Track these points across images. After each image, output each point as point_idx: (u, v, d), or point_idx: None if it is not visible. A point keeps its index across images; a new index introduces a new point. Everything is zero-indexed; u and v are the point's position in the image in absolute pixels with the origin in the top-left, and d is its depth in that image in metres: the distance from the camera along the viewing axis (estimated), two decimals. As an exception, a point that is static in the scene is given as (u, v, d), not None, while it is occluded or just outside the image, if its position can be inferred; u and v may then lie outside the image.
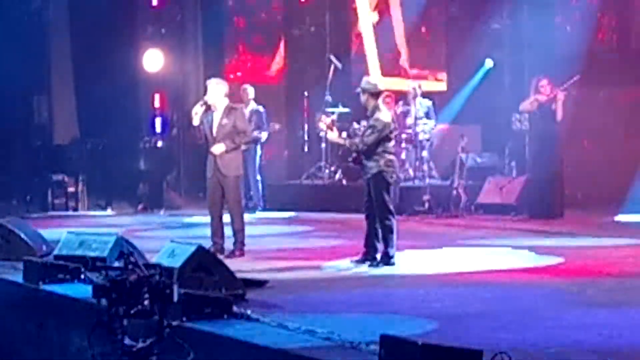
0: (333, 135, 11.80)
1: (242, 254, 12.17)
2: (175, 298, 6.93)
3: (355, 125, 11.72)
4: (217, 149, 12.21)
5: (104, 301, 6.91)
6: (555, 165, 15.98)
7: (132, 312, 6.78)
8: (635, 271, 10.69)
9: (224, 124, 12.25)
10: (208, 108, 12.33)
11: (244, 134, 12.44)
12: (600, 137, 17.99)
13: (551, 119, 15.81)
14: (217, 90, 12.34)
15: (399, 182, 14.28)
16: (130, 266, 6.95)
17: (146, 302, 6.81)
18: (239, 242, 12.25)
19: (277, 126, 18.31)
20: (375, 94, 11.48)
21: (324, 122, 11.78)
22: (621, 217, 15.73)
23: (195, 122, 12.32)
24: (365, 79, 11.74)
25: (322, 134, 11.82)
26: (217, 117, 12.29)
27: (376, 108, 11.47)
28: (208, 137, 12.32)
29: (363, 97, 11.50)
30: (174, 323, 7.02)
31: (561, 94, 15.73)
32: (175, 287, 6.90)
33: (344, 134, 12.32)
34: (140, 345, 6.75)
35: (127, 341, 6.76)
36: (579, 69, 17.12)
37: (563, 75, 16.23)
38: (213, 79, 12.66)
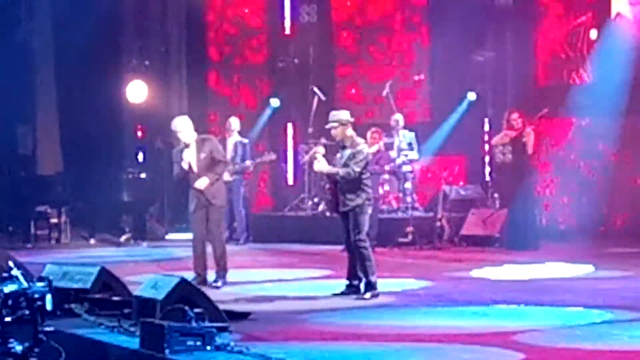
0: (324, 165, 11.67)
1: (224, 283, 12.18)
2: (49, 307, 7.80)
3: (338, 155, 11.67)
4: (201, 183, 12.18)
5: None
6: (529, 197, 16.07)
7: (8, 319, 7.73)
8: (621, 304, 10.68)
9: (203, 158, 12.22)
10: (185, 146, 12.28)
11: (223, 162, 12.47)
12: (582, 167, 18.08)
13: (522, 152, 15.93)
14: (189, 127, 12.28)
15: (375, 214, 14.31)
16: (13, 278, 7.84)
17: (26, 311, 7.75)
18: (222, 271, 12.26)
19: (273, 156, 17.89)
20: (348, 124, 11.51)
21: (320, 152, 11.72)
22: (605, 249, 15.78)
23: (186, 166, 12.25)
24: (333, 113, 11.74)
25: (316, 163, 11.74)
26: (192, 152, 12.23)
27: (353, 138, 11.51)
28: (190, 174, 12.29)
29: (338, 130, 11.49)
30: (48, 329, 7.84)
31: (529, 128, 15.84)
32: (48, 297, 7.77)
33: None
34: (20, 348, 7.67)
35: (10, 344, 7.69)
36: (560, 101, 17.25)
37: (543, 107, 16.33)
38: (178, 118, 12.56)
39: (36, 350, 7.71)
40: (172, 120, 12.59)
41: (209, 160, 12.23)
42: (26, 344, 7.71)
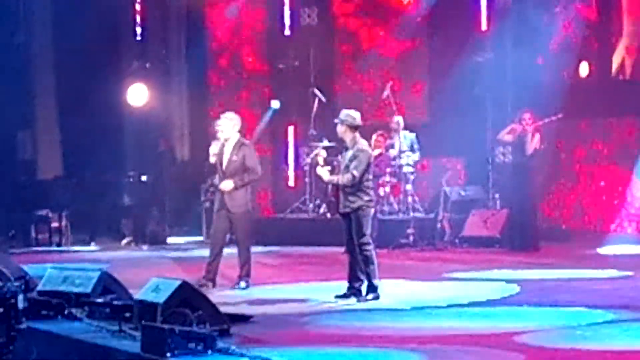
0: (325, 173, 11.69)
1: (248, 286, 12.28)
2: (21, 306, 8.16)
3: (341, 157, 11.70)
4: (226, 185, 12.26)
5: None
6: (529, 197, 16.07)
7: None
8: (624, 303, 10.69)
9: (234, 160, 12.31)
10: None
11: (253, 171, 12.44)
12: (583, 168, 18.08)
13: (523, 152, 15.97)
14: (230, 125, 12.39)
15: (376, 215, 14.32)
16: None
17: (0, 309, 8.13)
18: (245, 275, 12.37)
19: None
20: (354, 127, 11.50)
21: (322, 156, 11.74)
22: (604, 250, 15.79)
23: (212, 160, 12.34)
24: (344, 111, 11.73)
25: (318, 168, 11.75)
26: (227, 151, 12.34)
27: (356, 140, 11.49)
28: (218, 171, 12.37)
29: (341, 129, 11.48)
30: (19, 327, 8.17)
31: (530, 129, 15.86)
32: (20, 296, 8.14)
33: (327, 168, 12.22)
34: None
35: None
36: (561, 102, 17.26)
37: (544, 108, 16.34)
38: (227, 113, 12.68)
39: (10, 347, 7.88)
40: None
41: (240, 164, 12.29)
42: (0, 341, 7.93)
